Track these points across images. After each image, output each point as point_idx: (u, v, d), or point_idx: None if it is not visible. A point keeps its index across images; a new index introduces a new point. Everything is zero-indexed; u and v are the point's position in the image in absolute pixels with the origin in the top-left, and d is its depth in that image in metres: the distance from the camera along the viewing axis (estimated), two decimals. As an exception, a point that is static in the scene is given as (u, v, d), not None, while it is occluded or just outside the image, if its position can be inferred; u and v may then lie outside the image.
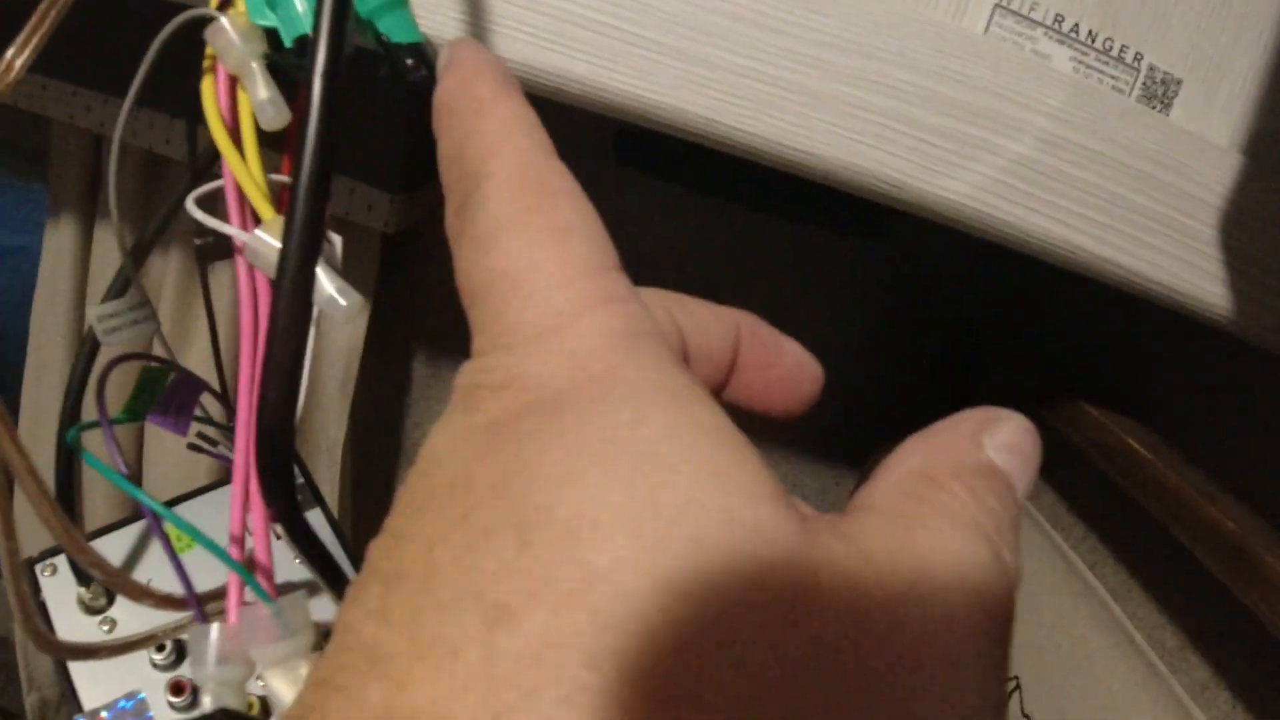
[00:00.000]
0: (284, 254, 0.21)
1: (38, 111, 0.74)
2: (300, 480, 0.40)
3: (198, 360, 0.80)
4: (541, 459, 0.12)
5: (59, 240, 0.83)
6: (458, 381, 0.15)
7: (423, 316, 0.89)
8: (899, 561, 0.13)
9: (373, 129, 0.67)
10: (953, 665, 0.12)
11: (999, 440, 0.16)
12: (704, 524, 0.12)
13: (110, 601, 0.38)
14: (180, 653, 0.35)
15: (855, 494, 0.15)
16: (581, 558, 0.11)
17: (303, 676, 0.25)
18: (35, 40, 0.35)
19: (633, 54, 0.31)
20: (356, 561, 0.38)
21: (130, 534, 0.39)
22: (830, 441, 0.90)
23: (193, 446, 0.36)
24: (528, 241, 0.15)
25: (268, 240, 0.25)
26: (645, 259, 0.82)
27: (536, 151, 0.16)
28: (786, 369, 0.21)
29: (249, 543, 0.26)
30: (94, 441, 0.30)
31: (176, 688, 0.34)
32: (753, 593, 0.11)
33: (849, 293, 0.84)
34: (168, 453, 0.83)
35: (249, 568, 0.26)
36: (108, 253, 0.79)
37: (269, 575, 0.25)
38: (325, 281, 0.25)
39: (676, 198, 0.79)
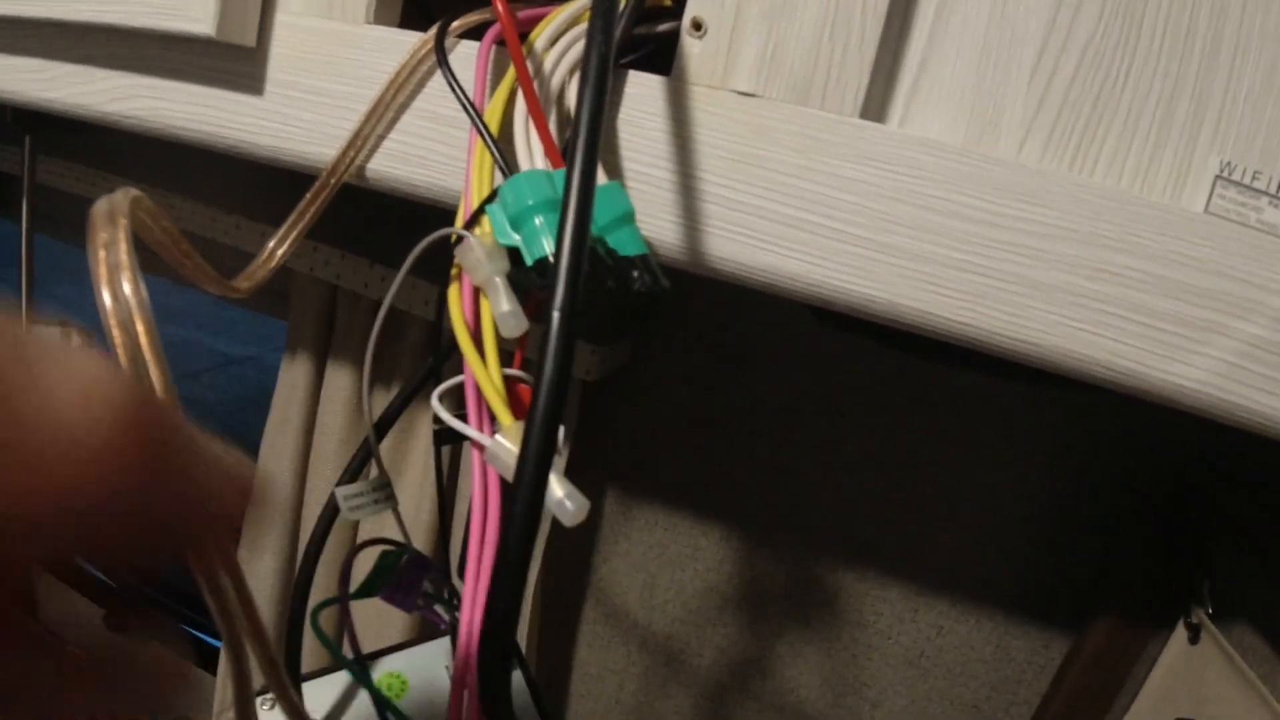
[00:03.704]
0: (520, 474, 0.22)
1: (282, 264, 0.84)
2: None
3: (402, 497, 0.85)
4: None
5: (293, 375, 0.91)
6: None
7: (616, 457, 0.92)
8: None
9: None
10: None
11: None
12: None
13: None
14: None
15: None
16: None
17: None
18: (294, 235, 0.40)
19: (845, 251, 0.32)
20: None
21: (331, 684, 0.41)
22: (1041, 601, 0.84)
23: (417, 609, 0.38)
24: None
25: (507, 446, 0.26)
26: (838, 409, 0.82)
27: None
28: None
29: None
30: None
31: None
32: None
33: (1061, 443, 0.79)
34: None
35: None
36: (339, 390, 0.86)
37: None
38: (555, 486, 0.26)
39: (877, 348, 0.78)
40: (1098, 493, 0.80)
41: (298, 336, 0.89)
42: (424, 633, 0.45)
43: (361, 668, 0.25)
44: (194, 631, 1.60)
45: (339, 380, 0.86)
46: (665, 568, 0.93)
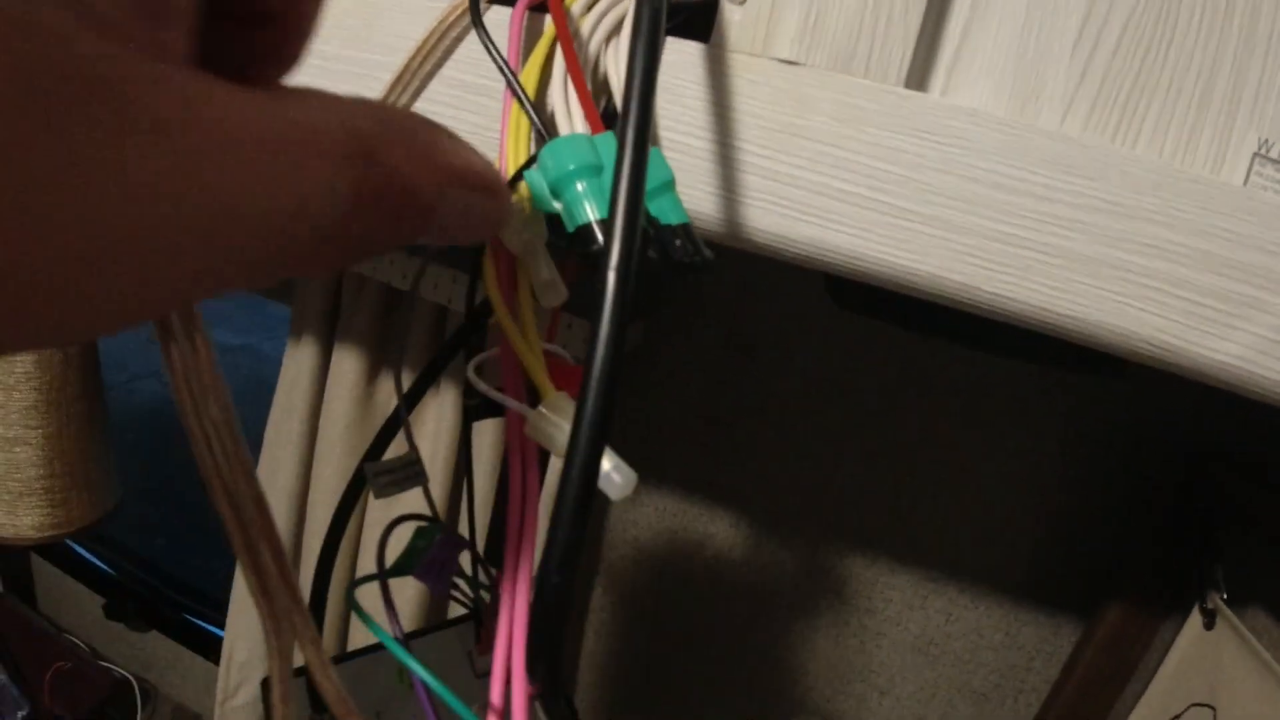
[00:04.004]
0: (574, 440, 0.22)
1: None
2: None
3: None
4: None
5: (298, 361, 0.90)
6: None
7: (625, 445, 0.91)
8: None
9: (590, 272, 0.70)
10: None
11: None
12: None
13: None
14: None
15: None
16: None
17: None
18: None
19: (888, 223, 0.31)
20: None
21: (354, 669, 0.41)
22: (1051, 588, 0.84)
23: (448, 593, 0.37)
24: None
25: (551, 417, 0.26)
26: (849, 397, 0.82)
27: None
28: None
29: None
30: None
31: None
32: None
33: (1074, 431, 0.79)
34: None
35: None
36: (344, 375, 0.85)
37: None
38: (605, 459, 0.25)
39: (890, 333, 0.78)
40: (1109, 480, 0.79)
41: (302, 322, 0.89)
42: (430, 621, 0.44)
43: (405, 646, 0.24)
44: (195, 620, 1.59)
45: (344, 365, 0.85)
46: (675, 556, 0.93)
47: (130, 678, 1.54)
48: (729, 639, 0.94)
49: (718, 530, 0.91)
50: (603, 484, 0.25)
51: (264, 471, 0.95)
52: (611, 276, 0.22)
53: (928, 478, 0.84)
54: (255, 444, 0.97)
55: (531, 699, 0.23)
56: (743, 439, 0.87)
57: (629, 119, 0.23)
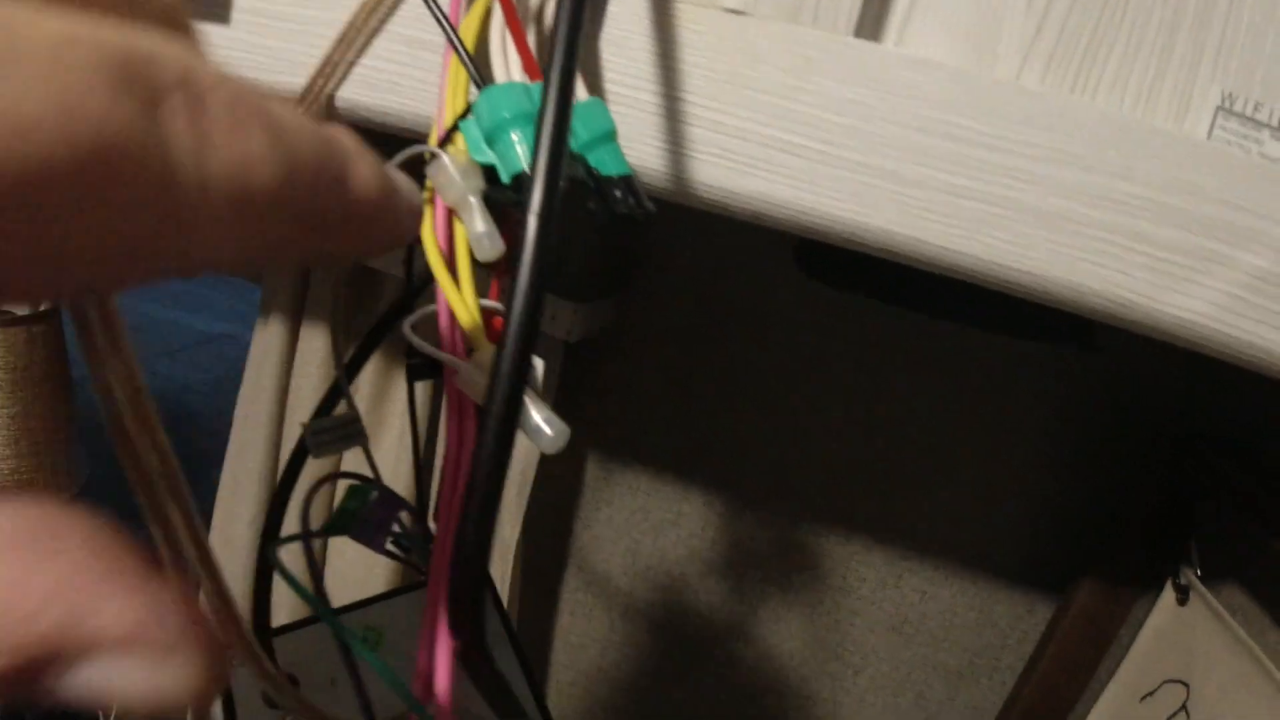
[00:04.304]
0: (493, 384, 0.21)
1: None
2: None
3: (380, 460, 0.83)
4: None
5: (267, 340, 0.89)
6: None
7: (597, 421, 0.90)
8: None
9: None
10: None
11: None
12: None
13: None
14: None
15: None
16: None
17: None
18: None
19: (837, 176, 0.30)
20: (542, 701, 0.38)
21: (309, 636, 0.40)
22: (1025, 566, 0.84)
23: (388, 553, 0.37)
24: None
25: (482, 369, 0.25)
26: (823, 371, 0.81)
27: None
28: None
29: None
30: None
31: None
32: None
33: (1052, 407, 0.78)
34: (348, 551, 0.86)
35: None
36: (314, 353, 0.84)
37: (448, 714, 0.25)
38: (533, 410, 0.25)
39: (866, 307, 0.77)
40: (1085, 457, 0.79)
41: (271, 300, 0.87)
42: (403, 586, 0.43)
43: (326, 606, 0.24)
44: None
45: (313, 344, 0.84)
46: (648, 533, 0.92)
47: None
48: (702, 618, 0.94)
49: (691, 509, 0.90)
50: (534, 436, 0.25)
51: (233, 453, 0.94)
52: (533, 220, 0.21)
53: (903, 455, 0.83)
54: (226, 429, 0.95)
55: (455, 654, 0.23)
56: (716, 415, 0.86)
57: (556, 48, 0.22)
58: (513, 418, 0.20)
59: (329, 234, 0.14)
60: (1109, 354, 0.74)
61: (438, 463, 0.80)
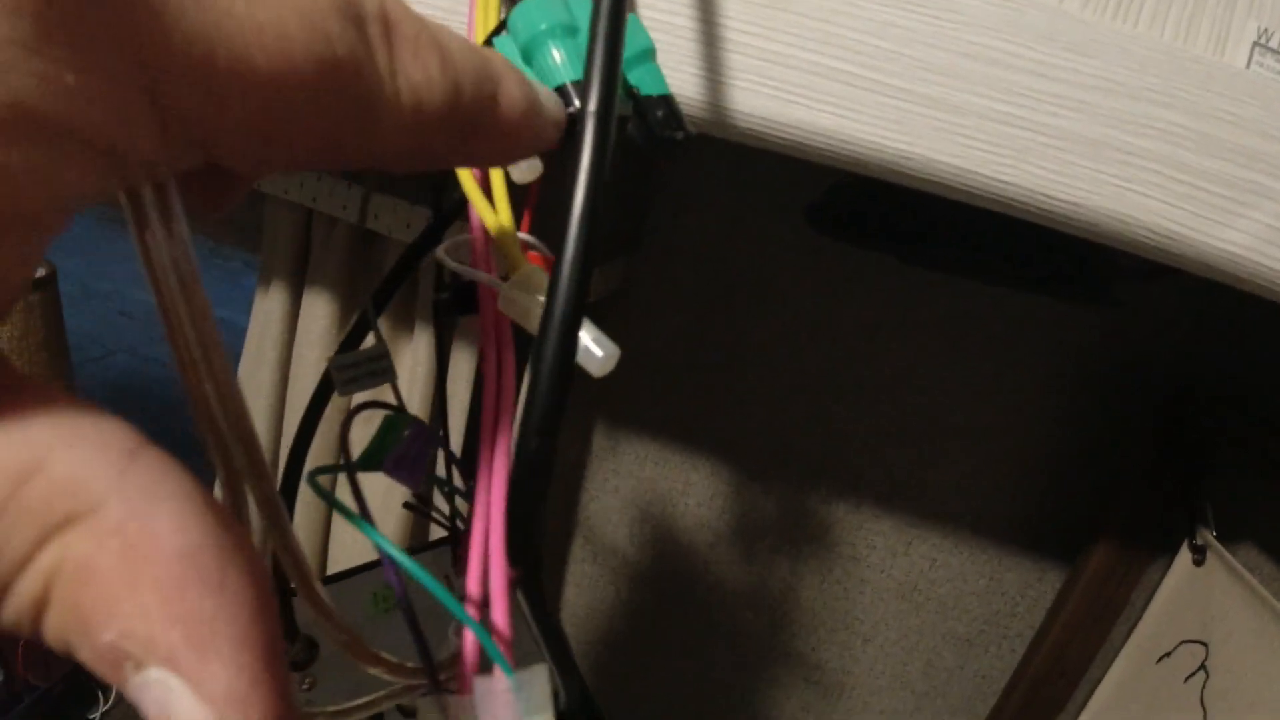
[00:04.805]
0: (552, 296, 0.20)
1: (254, 187, 0.80)
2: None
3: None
4: None
5: (267, 308, 0.88)
6: None
7: (604, 389, 0.89)
8: None
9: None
10: None
11: None
12: None
13: (312, 658, 0.38)
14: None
15: None
16: None
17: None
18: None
19: (880, 103, 0.30)
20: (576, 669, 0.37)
21: (335, 591, 0.39)
22: (1035, 531, 0.84)
23: (409, 505, 0.36)
24: None
25: (524, 289, 0.24)
26: (831, 337, 0.80)
27: None
28: None
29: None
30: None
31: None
32: None
33: (1059, 361, 0.78)
34: (346, 538, 0.86)
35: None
36: (315, 320, 0.83)
37: (509, 643, 0.24)
38: (582, 331, 0.24)
39: (871, 271, 0.76)
40: (1095, 418, 0.79)
41: (271, 267, 0.86)
42: (413, 547, 0.43)
43: (373, 524, 0.23)
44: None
45: (316, 310, 0.83)
46: (655, 503, 0.92)
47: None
48: (711, 588, 0.94)
49: (699, 477, 0.90)
50: (583, 359, 0.24)
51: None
52: (591, 122, 0.21)
53: (910, 420, 0.83)
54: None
55: (512, 584, 0.22)
56: (723, 382, 0.86)
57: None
58: (577, 315, 0.20)
59: (481, 142, 0.16)
60: (1121, 314, 0.73)
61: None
